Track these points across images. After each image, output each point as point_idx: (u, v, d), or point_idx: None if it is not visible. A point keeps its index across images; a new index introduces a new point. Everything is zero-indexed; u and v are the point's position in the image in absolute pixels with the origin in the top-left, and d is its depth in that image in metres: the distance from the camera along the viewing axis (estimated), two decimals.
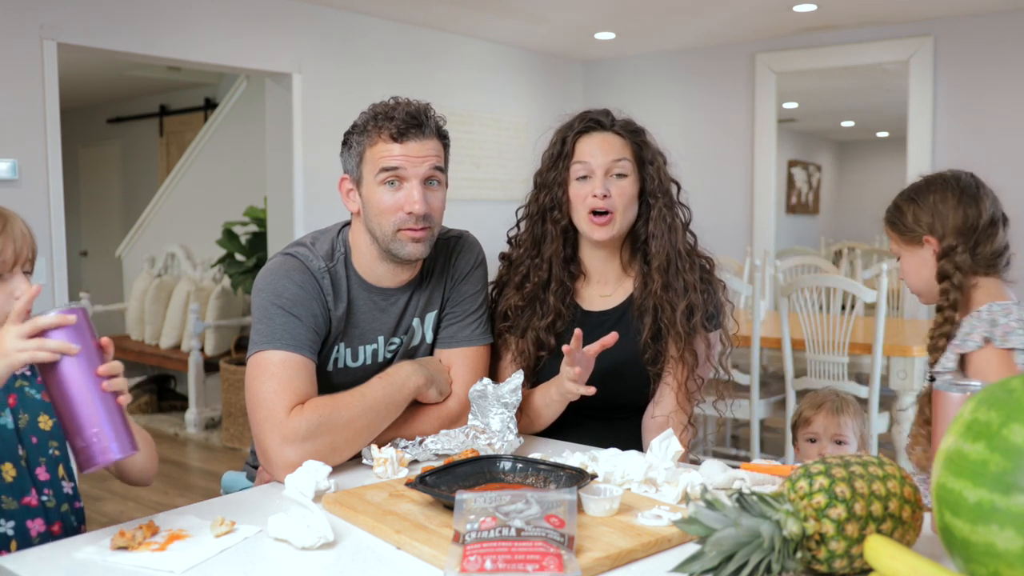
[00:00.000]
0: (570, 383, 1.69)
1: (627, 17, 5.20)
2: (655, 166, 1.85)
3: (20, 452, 1.40)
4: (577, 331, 1.66)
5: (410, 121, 1.65)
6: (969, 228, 1.78)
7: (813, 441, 2.39)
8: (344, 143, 1.75)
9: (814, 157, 9.77)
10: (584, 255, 1.92)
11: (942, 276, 1.80)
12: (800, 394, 3.82)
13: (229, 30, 4.44)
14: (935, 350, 1.81)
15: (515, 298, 1.87)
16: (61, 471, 1.46)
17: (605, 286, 1.92)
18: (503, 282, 1.94)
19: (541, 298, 1.86)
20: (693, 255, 1.88)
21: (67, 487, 1.46)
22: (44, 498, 1.41)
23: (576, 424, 1.86)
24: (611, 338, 1.66)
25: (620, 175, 1.82)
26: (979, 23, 5.04)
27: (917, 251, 1.84)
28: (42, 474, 1.42)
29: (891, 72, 5.73)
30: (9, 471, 1.37)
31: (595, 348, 1.67)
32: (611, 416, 1.89)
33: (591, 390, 1.68)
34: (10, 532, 1.37)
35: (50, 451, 1.45)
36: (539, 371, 1.88)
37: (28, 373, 1.48)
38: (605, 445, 1.66)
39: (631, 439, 1.88)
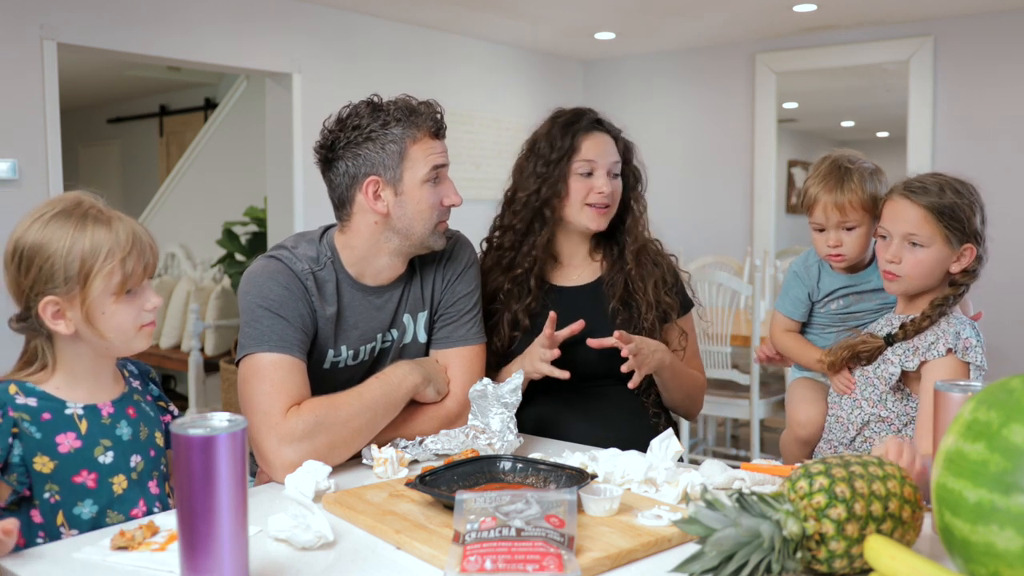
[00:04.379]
0: (543, 364, 1.80)
1: (627, 17, 5.20)
2: (631, 165, 2.03)
3: (134, 464, 1.37)
4: (552, 314, 1.79)
5: (440, 119, 1.73)
6: (982, 242, 1.73)
7: (821, 231, 1.90)
8: (368, 139, 1.67)
9: (814, 157, 9.71)
10: (560, 241, 2.03)
11: (956, 284, 1.74)
12: None
13: (229, 30, 4.44)
14: (894, 340, 1.75)
15: (502, 280, 1.99)
16: (168, 488, 1.44)
17: (574, 269, 2.05)
18: (487, 266, 2.02)
19: (524, 281, 1.98)
20: (650, 238, 2.09)
21: (171, 503, 1.42)
22: (155, 511, 1.39)
23: (548, 392, 1.94)
24: (578, 325, 1.80)
25: (617, 175, 1.99)
26: (979, 23, 5.04)
27: (944, 249, 1.71)
28: (153, 488, 1.41)
29: (891, 72, 5.73)
30: (121, 483, 1.35)
31: (564, 333, 1.80)
32: (585, 387, 1.95)
33: (565, 374, 1.80)
34: None
35: (162, 466, 1.43)
36: (511, 351, 1.97)
37: (140, 387, 1.46)
38: (580, 411, 1.92)
39: (602, 407, 1.95)
